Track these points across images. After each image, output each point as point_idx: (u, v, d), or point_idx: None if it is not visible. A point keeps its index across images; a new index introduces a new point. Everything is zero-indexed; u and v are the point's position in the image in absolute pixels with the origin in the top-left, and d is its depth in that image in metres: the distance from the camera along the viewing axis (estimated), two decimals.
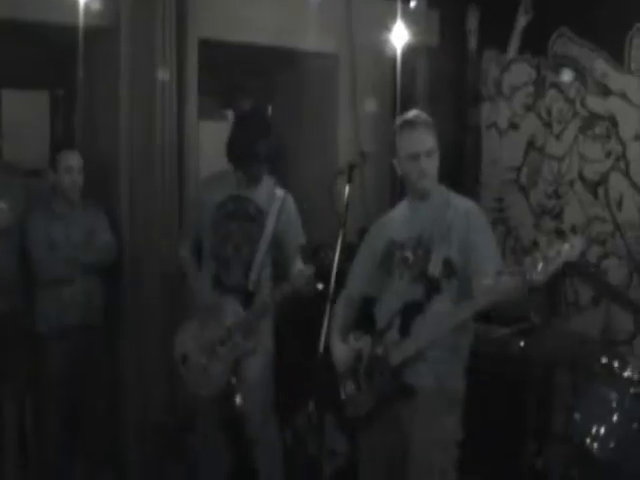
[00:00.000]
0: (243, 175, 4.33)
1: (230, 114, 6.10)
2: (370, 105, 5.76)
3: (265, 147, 4.25)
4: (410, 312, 3.45)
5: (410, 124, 3.54)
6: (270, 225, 4.33)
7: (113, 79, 4.77)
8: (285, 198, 4.41)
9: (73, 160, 4.61)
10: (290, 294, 4.18)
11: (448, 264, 3.44)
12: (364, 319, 3.72)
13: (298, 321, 4.85)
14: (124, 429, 4.88)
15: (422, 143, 3.50)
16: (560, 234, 5.23)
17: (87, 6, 4.53)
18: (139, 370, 4.82)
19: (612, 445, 3.80)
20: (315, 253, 4.19)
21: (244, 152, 4.26)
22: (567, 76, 5.31)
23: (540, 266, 3.01)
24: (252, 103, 6.34)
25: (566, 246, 3.01)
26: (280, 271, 4.43)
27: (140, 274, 4.81)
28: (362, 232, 4.64)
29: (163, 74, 4.70)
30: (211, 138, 5.10)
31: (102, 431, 4.80)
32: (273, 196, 4.38)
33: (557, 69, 5.37)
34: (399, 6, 5.32)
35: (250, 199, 4.37)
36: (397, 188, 5.42)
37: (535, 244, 5.35)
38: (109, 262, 4.74)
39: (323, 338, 3.47)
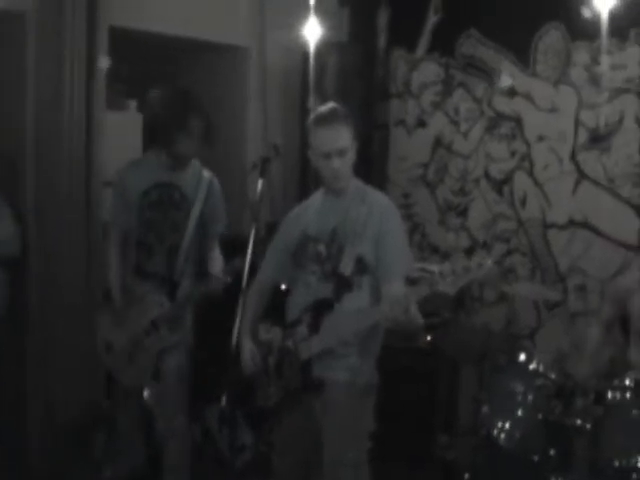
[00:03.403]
0: (170, 156, 4.19)
1: (133, 103, 5.93)
2: (279, 99, 5.74)
3: (198, 120, 4.12)
4: (320, 309, 3.43)
5: (323, 121, 3.44)
6: (196, 212, 4.24)
7: (19, 66, 4.61)
8: (212, 181, 4.32)
9: None
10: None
11: (360, 262, 3.42)
12: (276, 309, 3.70)
13: (208, 314, 4.81)
14: (29, 425, 4.74)
15: (334, 142, 3.40)
16: (471, 251, 5.29)
17: None
18: (45, 365, 4.68)
19: (518, 436, 3.89)
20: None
21: (175, 127, 4.10)
22: (474, 76, 5.39)
23: (450, 279, 3.04)
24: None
25: (474, 265, 3.04)
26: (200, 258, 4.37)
27: (47, 268, 4.67)
28: (270, 226, 4.63)
29: (71, 61, 4.57)
30: (113, 128, 4.99)
31: (6, 427, 4.66)
32: (200, 179, 4.28)
33: (465, 69, 5.45)
34: (312, 1, 5.32)
35: (175, 185, 4.26)
36: (306, 183, 5.44)
37: (447, 255, 5.38)
38: (10, 254, 4.58)
39: (236, 332, 3.47)
